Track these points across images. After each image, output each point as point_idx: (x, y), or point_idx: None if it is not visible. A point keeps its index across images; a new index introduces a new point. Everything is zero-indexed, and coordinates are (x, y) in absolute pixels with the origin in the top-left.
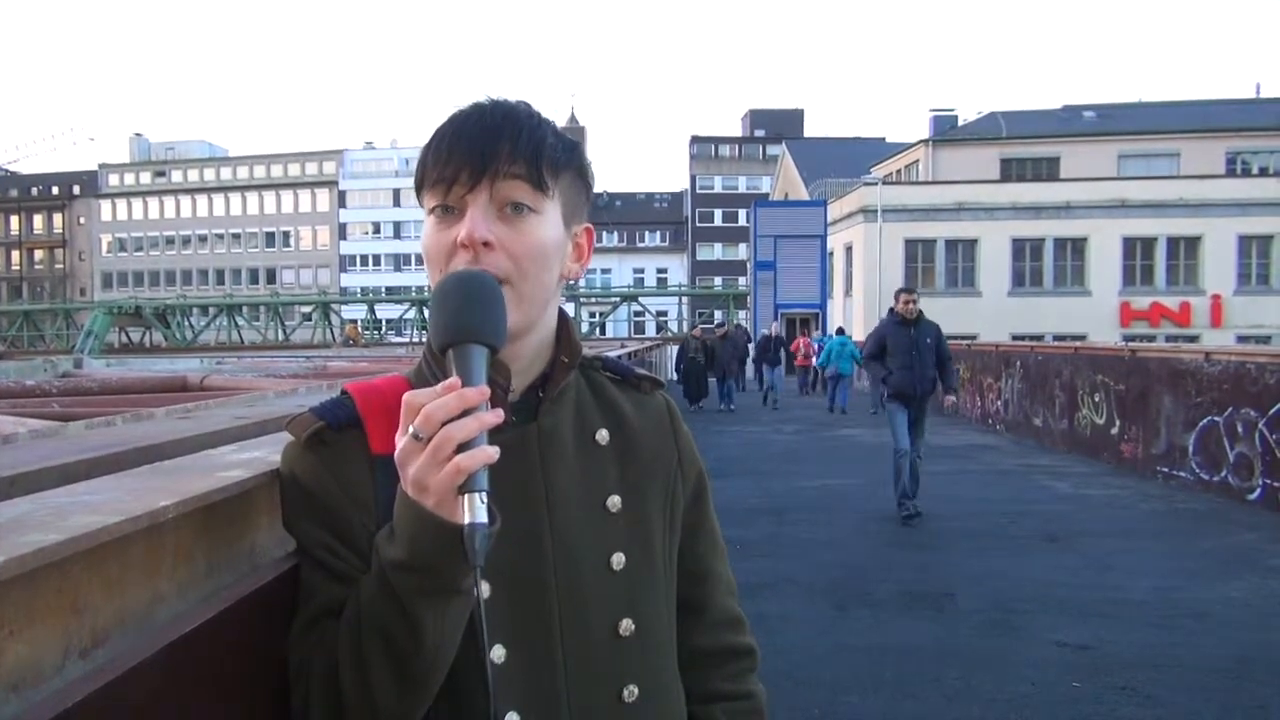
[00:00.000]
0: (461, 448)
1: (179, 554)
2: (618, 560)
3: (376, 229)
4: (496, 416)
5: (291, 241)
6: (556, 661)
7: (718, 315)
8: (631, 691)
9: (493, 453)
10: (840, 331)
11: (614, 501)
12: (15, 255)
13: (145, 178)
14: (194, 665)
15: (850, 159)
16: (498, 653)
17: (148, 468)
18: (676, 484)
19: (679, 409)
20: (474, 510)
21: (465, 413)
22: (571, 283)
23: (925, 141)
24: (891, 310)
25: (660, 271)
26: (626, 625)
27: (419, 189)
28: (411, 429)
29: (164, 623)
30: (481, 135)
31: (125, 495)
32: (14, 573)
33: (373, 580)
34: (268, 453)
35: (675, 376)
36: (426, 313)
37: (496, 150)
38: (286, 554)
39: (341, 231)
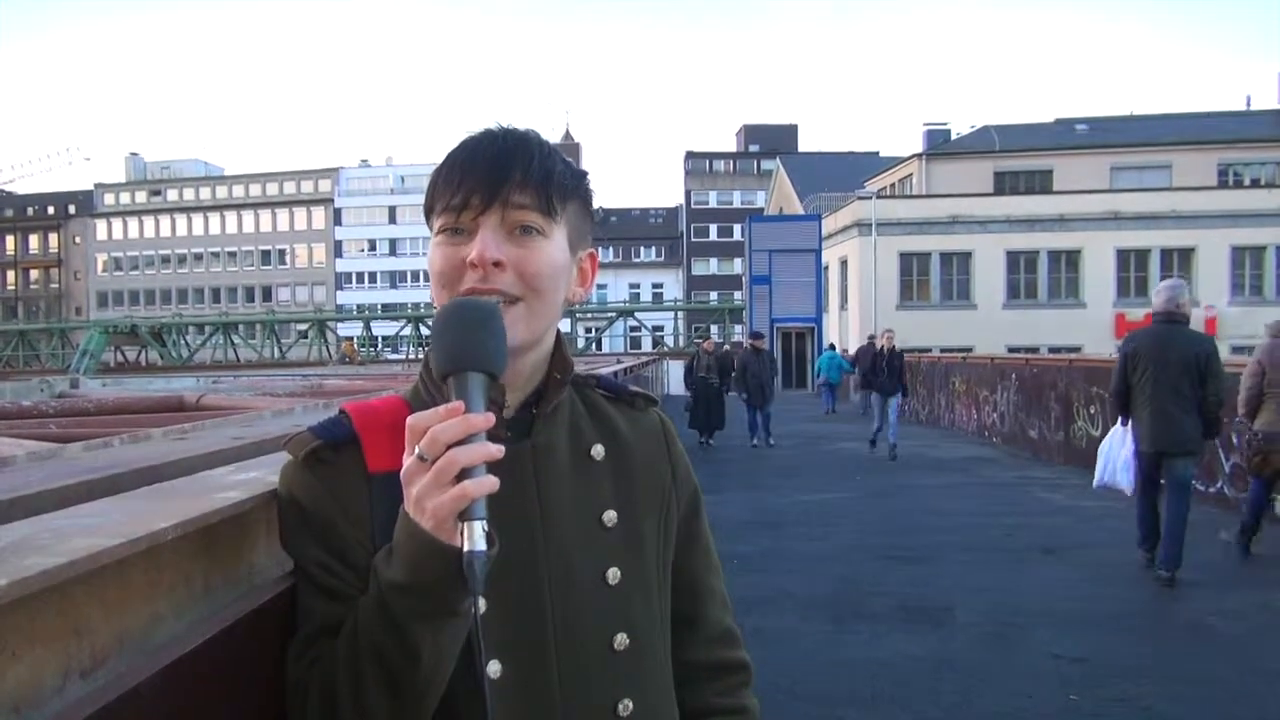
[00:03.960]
0: (463, 473)
1: (177, 575)
2: (613, 575)
3: (372, 246)
4: (499, 450)
5: (287, 259)
6: (552, 676)
7: (713, 330)
8: (626, 705)
9: (494, 482)
10: (831, 347)
11: (609, 516)
12: (11, 275)
13: (141, 197)
14: (193, 685)
15: (844, 173)
16: (493, 668)
17: (146, 490)
18: (671, 499)
19: (676, 429)
20: (473, 538)
21: (470, 438)
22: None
23: (919, 155)
24: None
25: (656, 286)
26: (621, 639)
27: (428, 212)
28: (417, 450)
29: (163, 643)
30: (494, 161)
31: (124, 518)
32: (16, 595)
33: (370, 601)
34: (265, 473)
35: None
36: (423, 330)
37: (508, 177)
38: (284, 574)
39: (337, 249)
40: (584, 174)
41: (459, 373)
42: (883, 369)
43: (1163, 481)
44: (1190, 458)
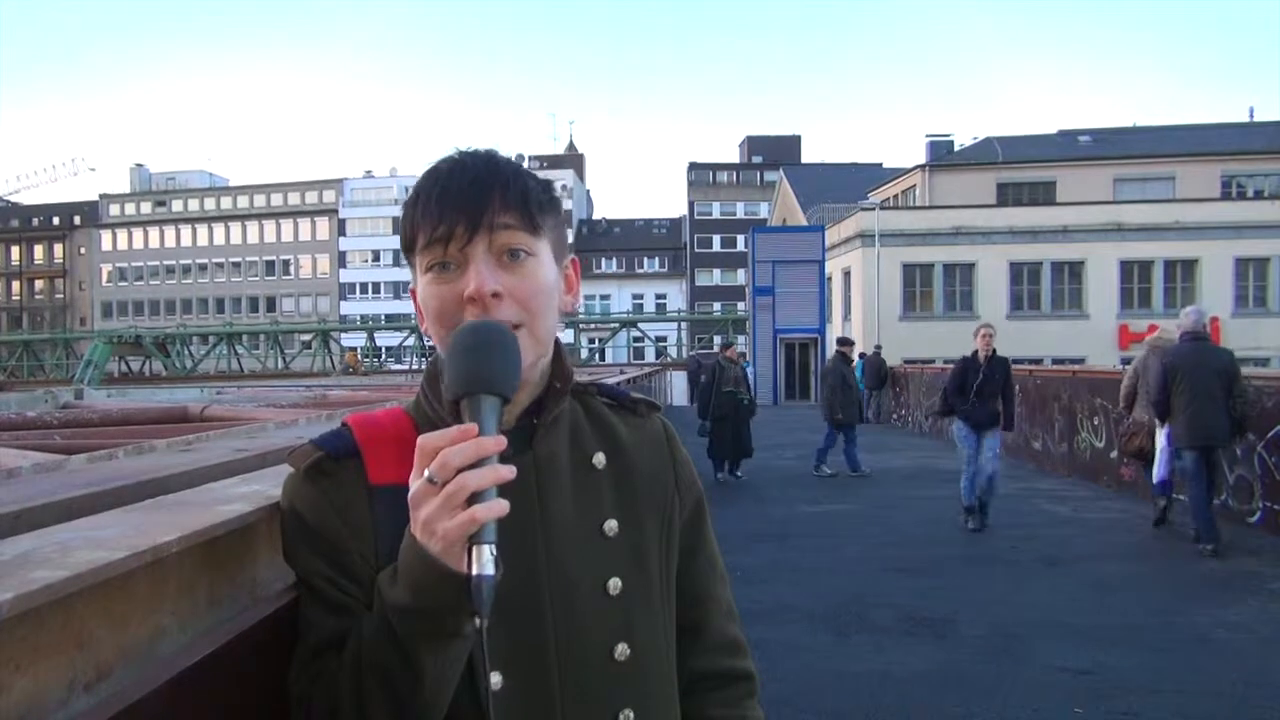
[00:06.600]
0: (473, 496)
1: (181, 588)
2: (614, 585)
3: (376, 257)
4: (510, 471)
5: (291, 270)
6: (553, 687)
7: (717, 340)
8: (628, 716)
9: (505, 506)
10: (862, 355)
11: (611, 525)
12: (15, 285)
13: (146, 207)
14: (196, 698)
15: (847, 184)
16: (494, 679)
17: (150, 502)
18: (674, 507)
19: (678, 434)
20: (482, 562)
21: (480, 461)
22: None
23: (922, 166)
24: None
25: (659, 297)
26: (623, 650)
27: (409, 250)
28: (427, 473)
29: (166, 656)
30: (471, 187)
31: (129, 530)
32: (20, 609)
33: (374, 620)
34: (268, 486)
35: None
36: (426, 340)
37: (488, 201)
38: (287, 586)
39: (341, 260)
40: (551, 183)
41: (472, 395)
42: (972, 387)
43: (1176, 467)
44: (1222, 450)
